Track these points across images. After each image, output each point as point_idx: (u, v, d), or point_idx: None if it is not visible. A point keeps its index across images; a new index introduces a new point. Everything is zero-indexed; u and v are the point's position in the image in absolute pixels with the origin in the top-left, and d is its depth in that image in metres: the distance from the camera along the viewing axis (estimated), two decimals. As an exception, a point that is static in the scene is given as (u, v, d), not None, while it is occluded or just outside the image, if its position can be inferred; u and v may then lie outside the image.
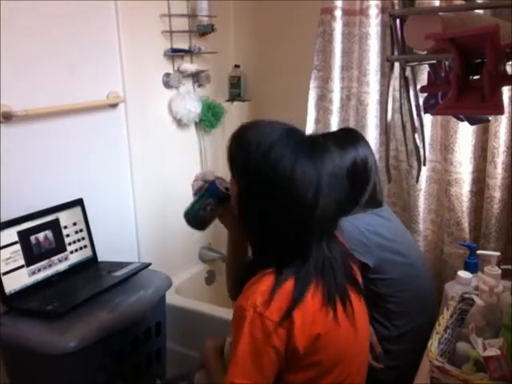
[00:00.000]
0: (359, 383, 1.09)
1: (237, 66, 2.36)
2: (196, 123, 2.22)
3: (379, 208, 1.46)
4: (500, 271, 1.29)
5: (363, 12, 1.82)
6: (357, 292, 1.05)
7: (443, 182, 1.78)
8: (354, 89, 1.92)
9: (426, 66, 1.16)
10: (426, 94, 1.22)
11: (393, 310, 1.40)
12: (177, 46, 2.06)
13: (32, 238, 1.53)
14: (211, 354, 1.22)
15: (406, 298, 1.41)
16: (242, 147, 1.01)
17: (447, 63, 1.08)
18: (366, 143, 1.48)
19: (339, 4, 1.84)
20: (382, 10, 1.81)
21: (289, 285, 0.94)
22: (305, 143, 0.99)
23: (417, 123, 1.19)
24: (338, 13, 1.85)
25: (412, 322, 1.41)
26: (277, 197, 0.95)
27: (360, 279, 1.11)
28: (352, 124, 1.94)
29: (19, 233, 1.50)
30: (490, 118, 1.56)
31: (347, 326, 1.00)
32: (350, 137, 1.47)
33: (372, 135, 1.89)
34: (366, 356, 1.13)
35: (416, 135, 1.20)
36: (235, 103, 2.37)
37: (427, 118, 1.73)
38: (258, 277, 0.96)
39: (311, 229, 0.96)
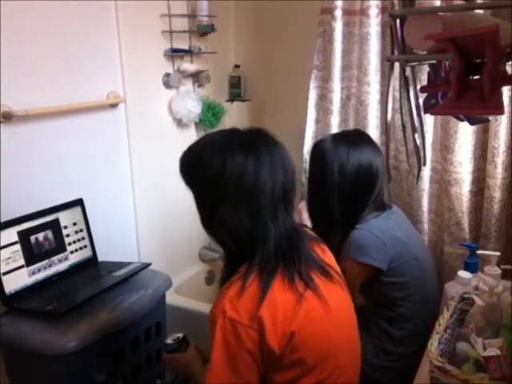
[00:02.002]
0: (351, 377, 1.09)
1: (237, 66, 2.36)
2: (196, 123, 2.22)
3: (389, 210, 1.46)
4: (500, 271, 1.29)
5: (363, 12, 1.82)
6: (326, 277, 1.05)
7: (443, 181, 1.78)
8: (353, 89, 1.92)
9: (426, 66, 1.16)
10: (425, 94, 1.22)
11: (403, 314, 1.40)
12: (177, 45, 2.06)
13: (32, 238, 1.53)
14: (195, 362, 1.21)
15: (416, 302, 1.40)
16: (185, 166, 1.06)
17: (447, 63, 1.08)
18: (369, 146, 1.44)
19: (339, 4, 1.84)
20: (382, 10, 1.81)
21: (255, 286, 0.95)
22: (237, 138, 1.02)
23: (417, 123, 1.19)
24: (339, 13, 1.85)
25: (418, 326, 1.40)
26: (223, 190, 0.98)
27: (336, 266, 1.11)
28: (352, 124, 1.94)
29: (19, 233, 1.50)
30: (490, 118, 1.56)
31: (322, 316, 1.00)
32: (350, 141, 1.43)
33: (373, 135, 1.88)
34: (353, 348, 1.12)
35: (416, 135, 1.20)
36: (235, 103, 2.37)
37: (427, 118, 1.73)
38: (228, 284, 0.98)
39: (261, 208, 0.99)
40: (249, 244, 1.00)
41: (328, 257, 1.13)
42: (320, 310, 1.00)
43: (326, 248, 1.15)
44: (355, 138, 1.47)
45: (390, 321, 1.41)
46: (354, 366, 1.11)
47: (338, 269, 1.13)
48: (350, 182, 1.38)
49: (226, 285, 0.99)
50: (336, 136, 1.48)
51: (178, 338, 1.28)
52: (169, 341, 1.28)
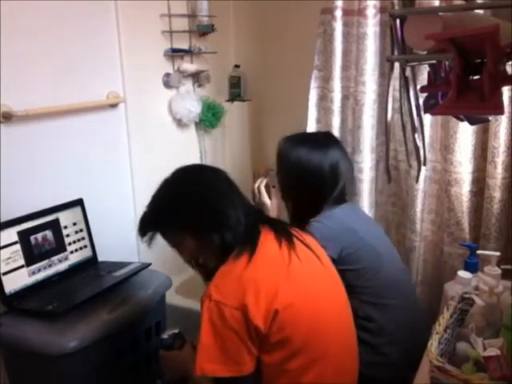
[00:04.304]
0: (348, 376, 1.11)
1: (237, 66, 2.36)
2: (196, 123, 2.22)
3: (345, 204, 1.53)
4: (500, 271, 1.29)
5: (361, 12, 1.82)
6: (305, 246, 1.16)
7: (443, 182, 1.78)
8: (351, 89, 1.92)
9: (426, 66, 1.16)
10: (425, 94, 1.22)
11: (367, 301, 1.41)
12: (177, 45, 2.06)
13: (32, 238, 1.53)
14: (191, 360, 1.21)
15: (377, 288, 1.42)
16: (173, 212, 1.20)
17: (447, 63, 1.08)
18: (339, 148, 1.53)
19: (339, 4, 1.84)
20: (381, 10, 1.81)
21: (238, 268, 1.04)
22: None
23: (417, 123, 1.19)
24: (339, 13, 1.85)
25: (388, 313, 1.41)
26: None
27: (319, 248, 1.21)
28: (350, 124, 1.94)
29: (19, 233, 1.50)
30: (490, 118, 1.56)
31: (308, 292, 1.06)
32: (321, 141, 1.53)
33: (368, 135, 1.88)
34: (346, 335, 1.15)
35: (416, 135, 1.20)
36: (235, 103, 2.36)
37: (427, 118, 1.73)
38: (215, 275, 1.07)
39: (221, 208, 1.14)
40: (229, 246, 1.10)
41: (307, 237, 1.21)
42: (305, 286, 1.06)
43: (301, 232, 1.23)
44: (322, 140, 1.55)
45: (359, 314, 1.42)
46: (347, 355, 1.12)
47: (322, 251, 1.21)
48: (314, 182, 1.46)
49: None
50: (303, 139, 1.55)
51: (174, 333, 1.31)
52: (165, 336, 1.31)
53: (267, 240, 1.12)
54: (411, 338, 1.38)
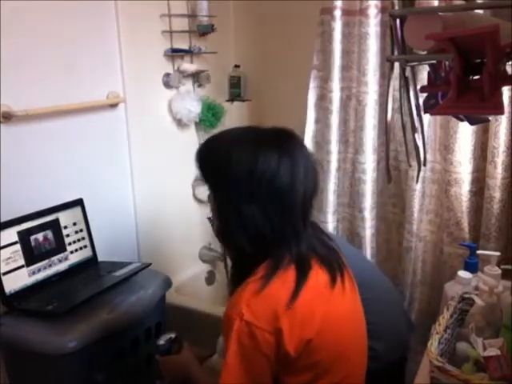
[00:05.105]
0: (359, 376, 1.09)
1: (237, 66, 2.36)
2: (196, 123, 2.22)
3: None
4: (500, 271, 1.29)
5: (363, 12, 1.82)
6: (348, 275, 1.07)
7: (443, 182, 1.78)
8: (354, 89, 1.92)
9: (426, 66, 1.16)
10: (425, 94, 1.22)
11: None
12: (177, 46, 2.06)
13: (32, 238, 1.53)
14: (191, 363, 1.20)
15: None
16: (207, 162, 1.04)
17: (447, 63, 1.08)
18: None
19: (339, 4, 1.84)
20: (382, 10, 1.81)
21: (273, 288, 0.94)
22: (266, 135, 1.01)
23: (417, 123, 1.19)
24: (338, 13, 1.84)
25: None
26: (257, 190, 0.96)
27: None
28: (352, 125, 1.94)
29: (19, 233, 1.50)
30: (490, 118, 1.56)
31: (339, 317, 1.00)
32: None
33: (370, 135, 1.88)
34: (361, 343, 1.11)
35: (416, 135, 1.20)
36: (235, 103, 2.36)
37: (426, 118, 1.73)
38: (244, 285, 0.96)
39: (292, 208, 0.97)
40: (270, 245, 0.98)
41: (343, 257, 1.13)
42: (338, 311, 1.01)
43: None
44: None
45: None
46: (361, 366, 1.12)
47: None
48: None
49: (241, 286, 0.97)
50: None
51: (171, 337, 1.27)
52: (161, 341, 1.26)
53: (318, 277, 0.99)
54: (393, 329, 1.38)
